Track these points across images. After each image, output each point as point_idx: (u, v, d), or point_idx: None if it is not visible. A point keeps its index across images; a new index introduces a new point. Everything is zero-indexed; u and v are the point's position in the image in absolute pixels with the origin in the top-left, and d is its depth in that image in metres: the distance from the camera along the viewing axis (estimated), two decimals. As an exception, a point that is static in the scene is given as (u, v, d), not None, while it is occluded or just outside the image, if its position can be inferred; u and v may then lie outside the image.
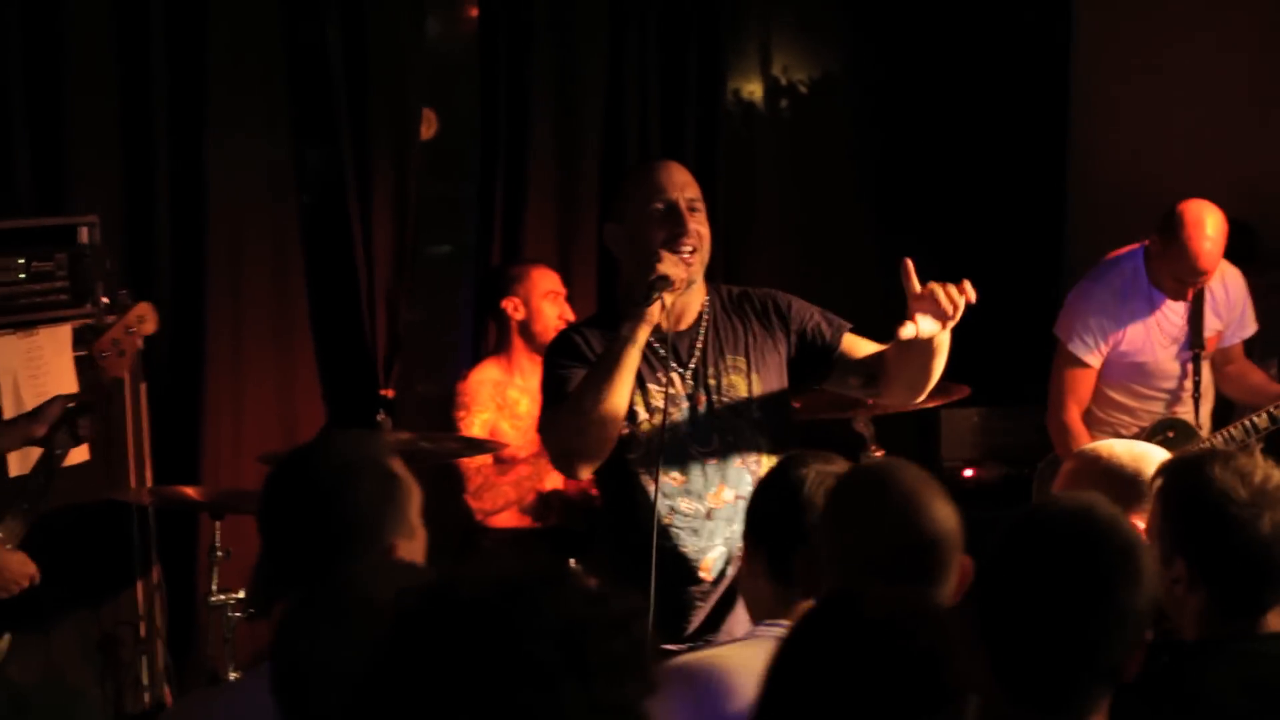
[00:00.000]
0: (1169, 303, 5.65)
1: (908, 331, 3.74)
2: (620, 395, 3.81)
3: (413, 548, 2.84)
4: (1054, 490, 3.53)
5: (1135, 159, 6.92)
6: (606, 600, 1.89)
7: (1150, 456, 3.47)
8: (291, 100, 5.77)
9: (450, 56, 6.51)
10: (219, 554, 4.93)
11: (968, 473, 6.50)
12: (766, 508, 3.10)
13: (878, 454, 5.64)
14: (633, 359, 3.82)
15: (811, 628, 2.21)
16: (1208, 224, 5.49)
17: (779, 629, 2.91)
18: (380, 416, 5.27)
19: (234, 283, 5.64)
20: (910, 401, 3.99)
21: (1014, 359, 6.32)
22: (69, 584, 4.57)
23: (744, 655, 2.91)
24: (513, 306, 5.78)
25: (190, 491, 5.19)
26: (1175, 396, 5.74)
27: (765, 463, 3.96)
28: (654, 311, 3.82)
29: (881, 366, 3.99)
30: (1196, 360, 5.68)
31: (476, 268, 6.33)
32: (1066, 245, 7.14)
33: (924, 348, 3.83)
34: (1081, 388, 5.76)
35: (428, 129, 6.17)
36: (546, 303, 5.79)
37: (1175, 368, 5.71)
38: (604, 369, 3.83)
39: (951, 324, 3.81)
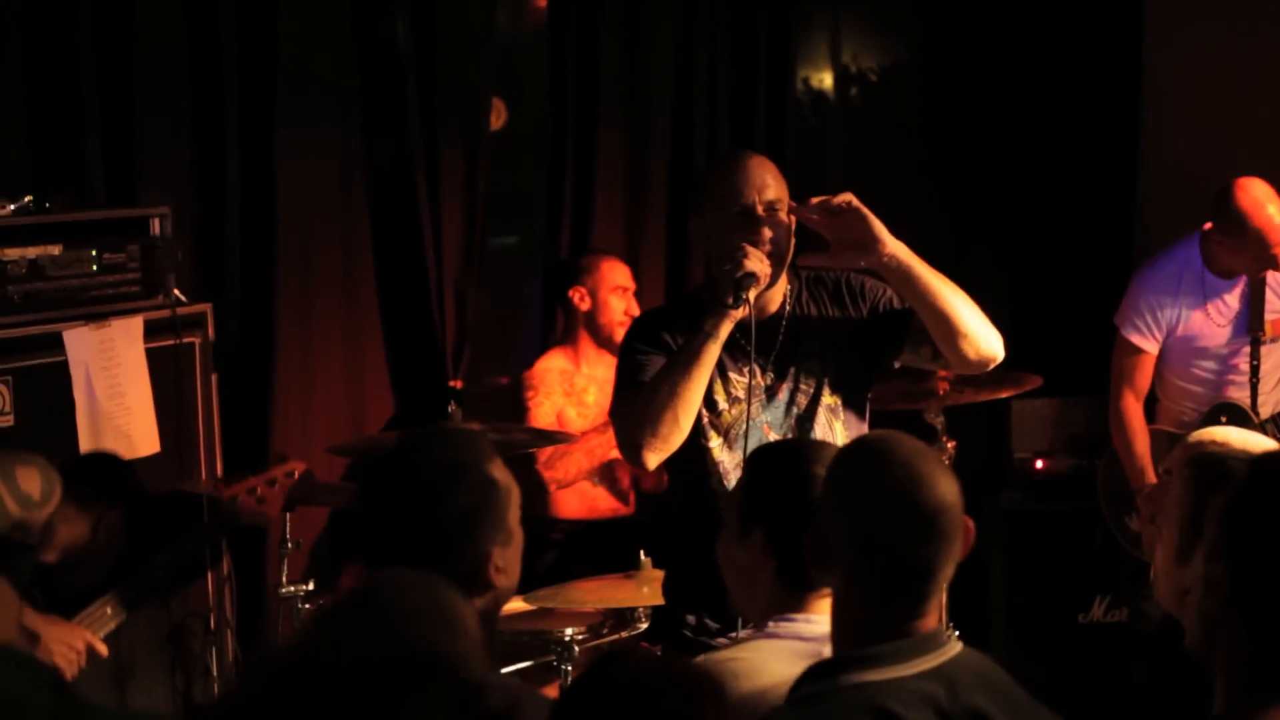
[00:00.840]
0: (1224, 285, 5.63)
1: (817, 260, 3.94)
2: (696, 390, 3.82)
3: (508, 554, 2.82)
4: (1162, 473, 3.43)
5: (1207, 147, 6.84)
6: (478, 699, 1.76)
7: (1261, 446, 3.37)
8: (361, 91, 5.78)
9: (519, 46, 6.51)
10: (289, 545, 4.94)
11: (1039, 464, 6.45)
12: (769, 486, 3.01)
13: (949, 445, 5.62)
14: (712, 355, 3.83)
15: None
16: (1264, 198, 5.48)
17: (794, 624, 2.89)
18: (451, 407, 5.28)
19: (304, 274, 5.65)
20: (973, 359, 3.93)
21: (1085, 349, 6.26)
22: (139, 575, 4.58)
23: (761, 658, 2.89)
24: (579, 296, 5.78)
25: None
26: (1233, 381, 5.71)
27: None
28: (739, 309, 3.84)
29: None
30: (1255, 344, 5.64)
31: (545, 258, 6.33)
32: (1138, 235, 7.07)
33: (908, 288, 3.88)
34: (1138, 375, 5.75)
35: (497, 119, 6.17)
36: (614, 296, 5.78)
37: (1232, 351, 5.68)
38: (683, 362, 3.83)
39: (878, 244, 3.85)
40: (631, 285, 5.86)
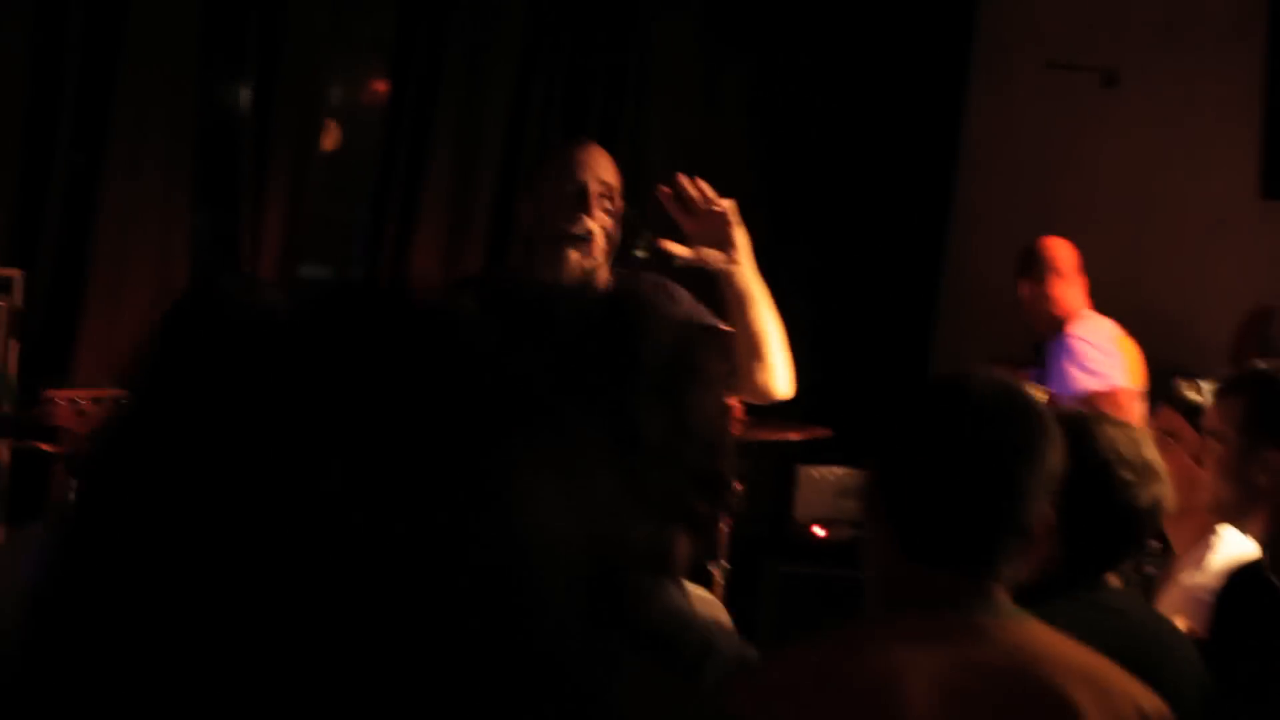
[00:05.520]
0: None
1: (679, 250, 3.98)
2: None
3: None
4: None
5: (1021, 184, 7.14)
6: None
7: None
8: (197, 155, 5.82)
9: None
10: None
11: (819, 531, 6.54)
12: None
13: (738, 487, 5.71)
14: None
15: None
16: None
17: None
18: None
19: (120, 263, 5.63)
20: (761, 390, 4.02)
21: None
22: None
23: None
24: None
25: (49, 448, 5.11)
26: None
27: None
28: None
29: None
30: None
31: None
32: (944, 285, 7.26)
33: (740, 302, 3.97)
34: None
35: (329, 140, 6.21)
36: None
37: None
38: None
39: (737, 254, 3.96)
40: None
